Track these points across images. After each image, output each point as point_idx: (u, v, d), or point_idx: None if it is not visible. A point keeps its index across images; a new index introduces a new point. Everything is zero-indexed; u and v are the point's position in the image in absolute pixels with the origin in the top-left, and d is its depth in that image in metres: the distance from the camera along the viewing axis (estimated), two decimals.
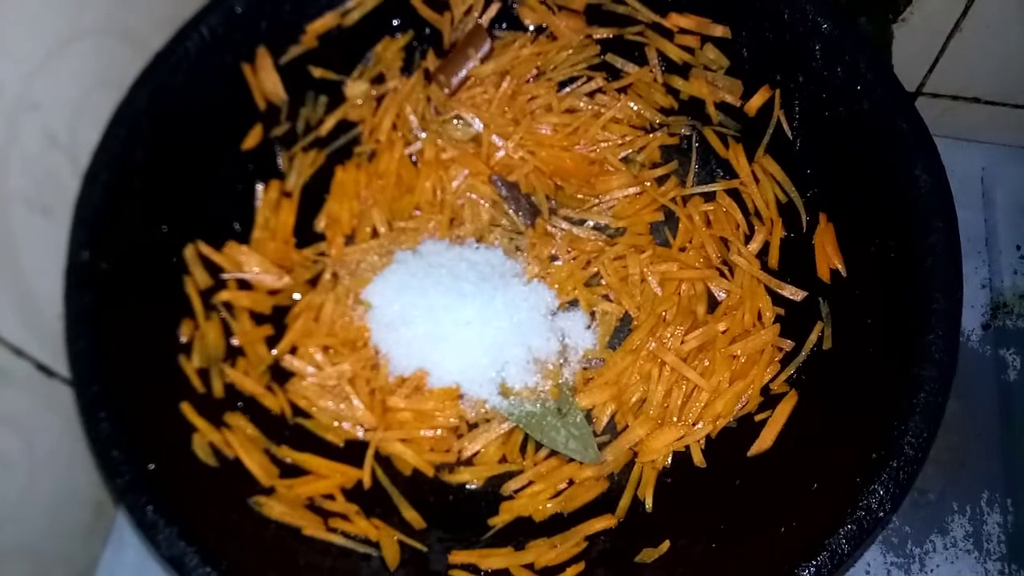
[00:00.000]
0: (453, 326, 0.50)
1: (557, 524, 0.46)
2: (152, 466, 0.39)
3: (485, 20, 0.55)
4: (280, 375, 0.49)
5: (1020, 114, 0.58)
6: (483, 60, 0.55)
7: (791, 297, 0.48)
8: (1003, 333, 0.55)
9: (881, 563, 0.49)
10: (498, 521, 0.46)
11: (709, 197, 0.53)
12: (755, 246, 0.50)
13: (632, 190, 0.54)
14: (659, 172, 0.54)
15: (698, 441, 0.47)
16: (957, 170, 0.56)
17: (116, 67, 0.47)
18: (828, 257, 0.46)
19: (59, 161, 0.45)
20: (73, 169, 0.45)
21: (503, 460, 0.49)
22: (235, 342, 0.49)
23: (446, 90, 0.55)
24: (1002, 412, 0.53)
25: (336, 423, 0.49)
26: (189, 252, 0.48)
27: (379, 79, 0.55)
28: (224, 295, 0.49)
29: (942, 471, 0.51)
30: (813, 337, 0.46)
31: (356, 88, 0.54)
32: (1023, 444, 0.51)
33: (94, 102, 0.46)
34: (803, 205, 0.49)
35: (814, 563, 0.35)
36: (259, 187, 0.52)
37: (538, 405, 0.49)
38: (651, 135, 0.55)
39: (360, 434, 0.49)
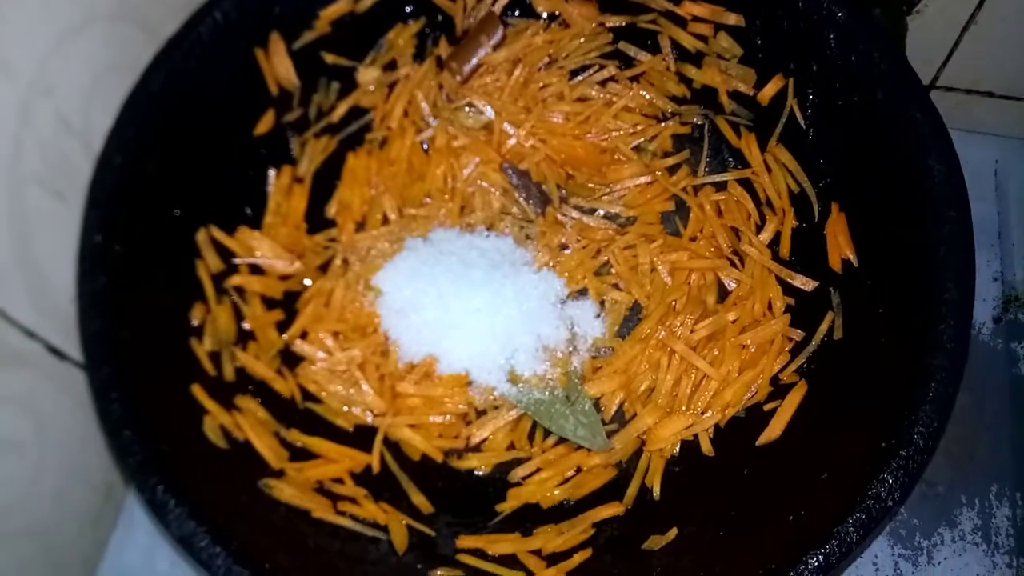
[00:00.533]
0: (463, 313, 0.50)
1: (565, 511, 0.46)
2: (164, 447, 0.40)
3: (498, 8, 0.55)
4: (290, 360, 0.50)
5: None
6: (495, 48, 0.55)
7: (802, 287, 0.48)
8: (1015, 326, 0.55)
9: (889, 555, 0.49)
10: (506, 507, 0.47)
11: (721, 187, 0.53)
12: (766, 236, 0.50)
13: (643, 179, 0.54)
14: (671, 161, 0.54)
15: (707, 430, 0.47)
16: (970, 163, 0.56)
17: (129, 52, 0.47)
18: (840, 247, 0.46)
19: (72, 145, 0.45)
20: (86, 153, 0.45)
21: (511, 447, 0.49)
22: (246, 326, 0.49)
23: (458, 77, 0.55)
24: (1013, 405, 0.52)
25: (345, 408, 0.49)
26: (201, 236, 0.48)
27: (391, 66, 0.55)
28: (236, 280, 0.49)
29: (951, 464, 0.51)
30: (824, 327, 0.46)
31: (368, 75, 0.54)
32: None
33: (107, 87, 0.46)
34: (815, 195, 0.49)
35: (823, 551, 0.35)
36: (271, 173, 0.52)
37: (547, 393, 0.49)
38: (663, 124, 0.55)
39: (369, 419, 0.49)
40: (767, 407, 0.45)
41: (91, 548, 0.51)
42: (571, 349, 0.51)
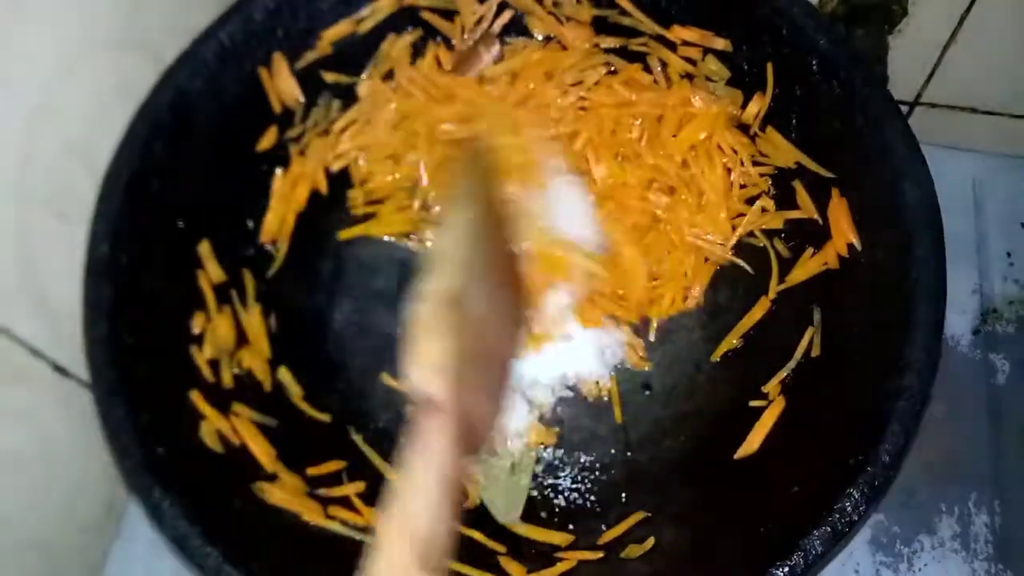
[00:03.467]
0: None
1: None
2: (161, 450, 0.41)
3: (496, 27, 0.57)
4: None
5: (1014, 123, 0.59)
6: (494, 63, 0.57)
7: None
8: (993, 338, 0.56)
9: (870, 562, 0.50)
10: None
11: None
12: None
13: None
14: None
15: None
16: (950, 178, 0.57)
17: (132, 77, 0.49)
18: (843, 231, 0.46)
19: (76, 167, 0.47)
20: (89, 175, 0.47)
21: None
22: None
23: None
24: (991, 415, 0.54)
25: None
26: (203, 248, 0.50)
27: (390, 76, 0.57)
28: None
29: (931, 472, 0.52)
30: (804, 342, 0.47)
31: (368, 87, 0.56)
32: (1011, 446, 0.52)
33: (110, 111, 0.48)
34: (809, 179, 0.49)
35: (788, 563, 0.36)
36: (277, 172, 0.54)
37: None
38: None
39: None
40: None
41: (93, 560, 0.53)
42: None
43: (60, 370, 0.48)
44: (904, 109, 0.60)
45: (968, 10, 0.52)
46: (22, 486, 0.47)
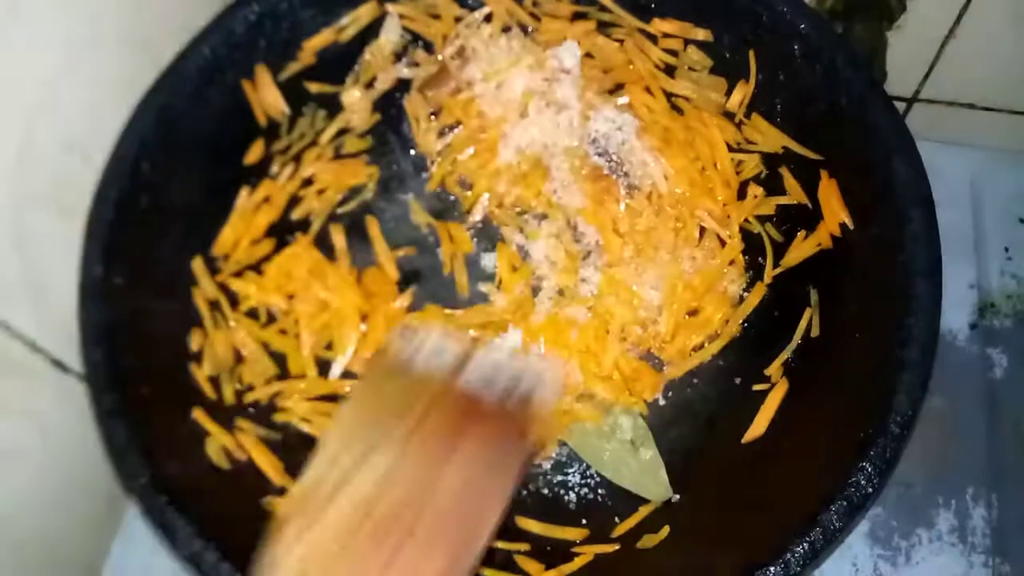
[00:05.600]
0: None
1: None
2: (168, 469, 0.41)
3: (475, 43, 0.57)
4: None
5: (1012, 119, 0.60)
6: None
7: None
8: (990, 332, 0.56)
9: (868, 556, 0.51)
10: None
11: None
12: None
13: None
14: None
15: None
16: (948, 174, 0.59)
17: (131, 72, 0.48)
18: (835, 211, 0.47)
19: (75, 162, 0.47)
20: (88, 170, 0.46)
21: None
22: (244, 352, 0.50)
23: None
24: (988, 409, 0.54)
25: None
26: (197, 265, 0.49)
27: (372, 84, 0.57)
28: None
29: (929, 466, 0.52)
30: (803, 323, 0.47)
31: (351, 96, 0.56)
32: (1008, 440, 0.53)
33: (109, 106, 0.47)
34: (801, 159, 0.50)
35: (808, 539, 0.37)
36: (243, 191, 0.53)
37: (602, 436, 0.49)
38: None
39: None
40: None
41: (93, 555, 0.53)
42: None
43: (59, 364, 0.47)
44: (902, 105, 0.60)
45: (967, 5, 0.52)
46: (20, 481, 0.46)
